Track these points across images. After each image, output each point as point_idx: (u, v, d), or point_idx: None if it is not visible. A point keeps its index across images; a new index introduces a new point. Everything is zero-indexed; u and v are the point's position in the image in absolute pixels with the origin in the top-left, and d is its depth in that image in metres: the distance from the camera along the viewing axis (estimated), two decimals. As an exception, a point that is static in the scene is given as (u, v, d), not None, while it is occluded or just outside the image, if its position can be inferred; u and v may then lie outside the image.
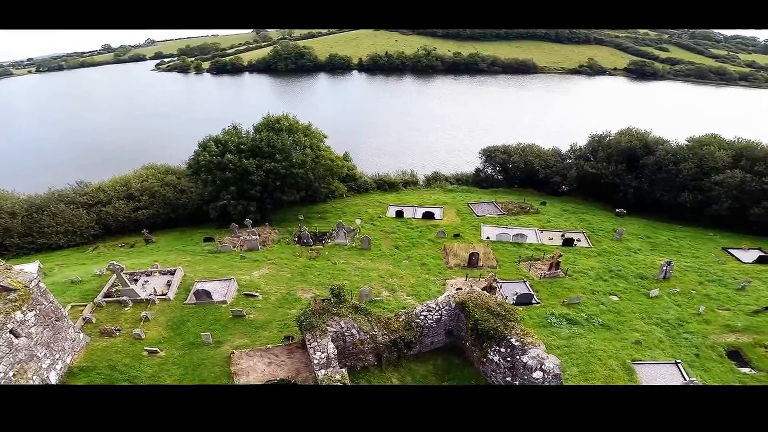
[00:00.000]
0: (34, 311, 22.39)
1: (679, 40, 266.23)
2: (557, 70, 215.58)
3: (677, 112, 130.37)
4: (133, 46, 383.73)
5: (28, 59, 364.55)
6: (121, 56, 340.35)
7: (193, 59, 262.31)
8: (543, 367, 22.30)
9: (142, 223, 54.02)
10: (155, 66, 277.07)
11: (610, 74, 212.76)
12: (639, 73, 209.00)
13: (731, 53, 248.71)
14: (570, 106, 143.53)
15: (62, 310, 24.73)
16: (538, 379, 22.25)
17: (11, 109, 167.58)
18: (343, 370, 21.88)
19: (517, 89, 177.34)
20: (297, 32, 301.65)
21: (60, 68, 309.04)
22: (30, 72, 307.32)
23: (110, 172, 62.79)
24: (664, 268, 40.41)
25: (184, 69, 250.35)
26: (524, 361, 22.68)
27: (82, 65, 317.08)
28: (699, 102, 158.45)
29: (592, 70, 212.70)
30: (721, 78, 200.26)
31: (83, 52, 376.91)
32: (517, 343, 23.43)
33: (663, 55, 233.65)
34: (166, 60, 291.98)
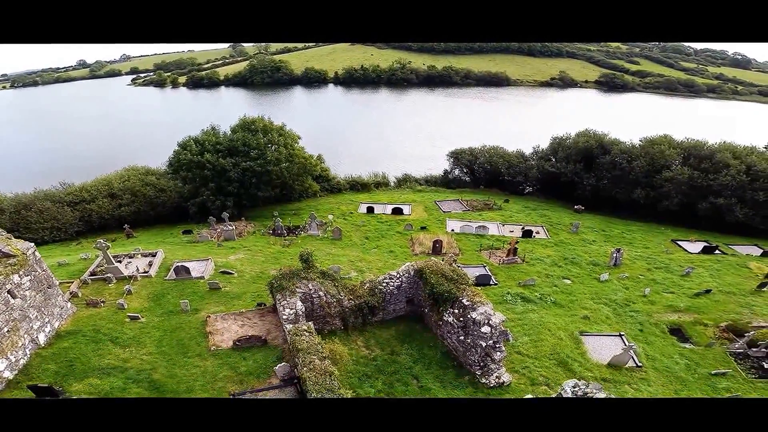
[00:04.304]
0: (29, 276, 24.57)
1: (650, 54, 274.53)
2: (529, 82, 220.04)
3: (639, 120, 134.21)
4: (108, 62, 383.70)
5: (2, 75, 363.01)
6: (97, 71, 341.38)
7: (169, 74, 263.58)
8: (490, 322, 24.39)
9: (124, 220, 55.83)
10: (131, 81, 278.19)
11: (581, 87, 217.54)
12: (609, 85, 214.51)
13: (701, 66, 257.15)
14: (539, 115, 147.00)
15: (53, 279, 26.81)
16: (486, 333, 24.36)
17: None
18: (310, 323, 24.17)
19: (489, 101, 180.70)
20: (273, 47, 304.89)
21: (35, 84, 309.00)
22: (5, 87, 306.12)
23: (91, 177, 64.20)
24: (615, 255, 42.90)
25: (160, 83, 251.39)
26: (473, 317, 24.75)
27: (57, 80, 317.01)
28: (663, 112, 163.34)
29: (564, 82, 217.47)
30: (689, 90, 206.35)
31: (58, 68, 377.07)
32: (467, 303, 25.64)
33: (633, 68, 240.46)
34: (142, 75, 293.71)
